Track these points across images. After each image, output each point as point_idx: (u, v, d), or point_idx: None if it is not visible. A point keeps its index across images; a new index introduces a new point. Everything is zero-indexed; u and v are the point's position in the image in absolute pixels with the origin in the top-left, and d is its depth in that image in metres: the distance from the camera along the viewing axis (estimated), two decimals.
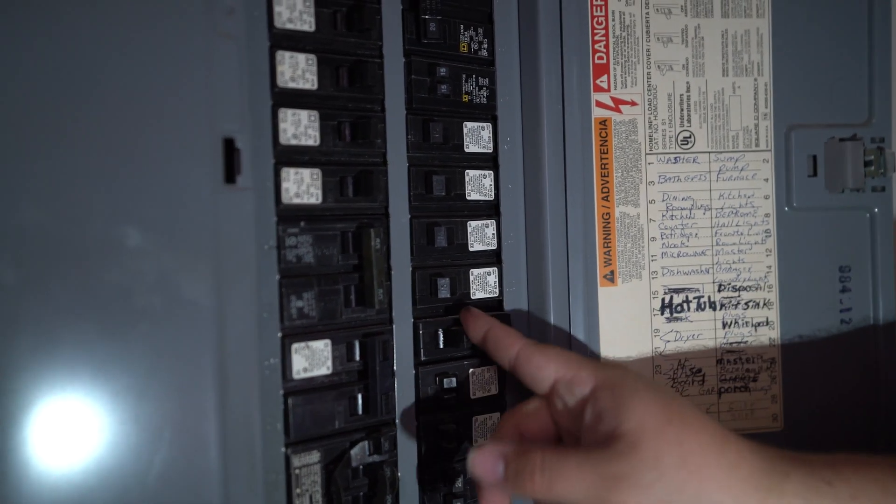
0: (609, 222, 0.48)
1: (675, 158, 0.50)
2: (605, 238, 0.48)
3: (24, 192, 0.32)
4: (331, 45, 0.40)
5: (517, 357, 0.41)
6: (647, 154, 0.49)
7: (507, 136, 0.47)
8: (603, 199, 0.48)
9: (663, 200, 0.49)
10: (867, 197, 0.51)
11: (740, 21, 0.50)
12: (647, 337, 0.49)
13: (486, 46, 0.46)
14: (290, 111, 0.39)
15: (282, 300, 0.38)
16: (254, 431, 0.36)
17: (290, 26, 0.39)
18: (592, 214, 0.48)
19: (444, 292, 0.44)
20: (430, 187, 0.44)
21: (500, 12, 0.47)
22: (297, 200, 0.39)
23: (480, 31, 0.46)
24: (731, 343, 0.50)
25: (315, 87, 0.40)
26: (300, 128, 0.39)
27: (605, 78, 0.49)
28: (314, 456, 0.39)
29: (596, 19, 0.48)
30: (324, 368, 0.39)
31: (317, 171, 0.39)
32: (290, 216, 0.39)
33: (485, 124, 0.46)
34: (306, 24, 0.39)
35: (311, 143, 0.39)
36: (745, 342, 0.50)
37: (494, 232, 0.46)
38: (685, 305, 0.49)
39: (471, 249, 0.45)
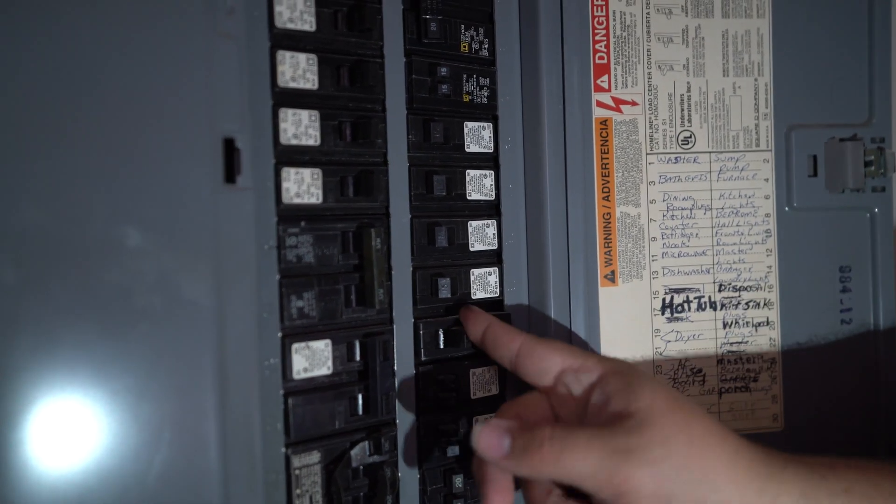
0: (610, 222, 0.48)
1: (676, 158, 0.49)
2: (605, 238, 0.48)
3: (24, 192, 0.32)
4: (331, 45, 0.40)
5: (520, 350, 0.41)
6: (647, 154, 0.49)
7: (507, 135, 0.47)
8: (604, 198, 0.48)
9: (664, 200, 0.49)
10: (867, 197, 0.51)
11: (741, 21, 0.50)
12: (647, 337, 0.49)
13: (486, 46, 0.46)
14: (290, 111, 0.39)
15: (282, 300, 0.38)
16: (254, 432, 0.36)
17: (290, 26, 0.39)
18: (593, 214, 0.48)
19: (444, 292, 0.44)
20: (430, 187, 0.44)
21: (500, 12, 0.47)
22: (297, 200, 0.39)
23: (481, 30, 0.46)
24: (731, 343, 0.50)
25: (316, 86, 0.39)
26: (301, 127, 0.39)
27: (605, 78, 0.49)
28: (314, 456, 0.39)
29: (597, 19, 0.48)
30: (324, 368, 0.39)
31: (317, 171, 0.39)
32: (291, 216, 0.39)
33: (485, 124, 0.46)
34: (307, 23, 0.39)
35: (311, 142, 0.39)
36: (746, 342, 0.50)
37: (495, 232, 0.46)
38: (686, 305, 0.49)
39: (471, 249, 0.45)
